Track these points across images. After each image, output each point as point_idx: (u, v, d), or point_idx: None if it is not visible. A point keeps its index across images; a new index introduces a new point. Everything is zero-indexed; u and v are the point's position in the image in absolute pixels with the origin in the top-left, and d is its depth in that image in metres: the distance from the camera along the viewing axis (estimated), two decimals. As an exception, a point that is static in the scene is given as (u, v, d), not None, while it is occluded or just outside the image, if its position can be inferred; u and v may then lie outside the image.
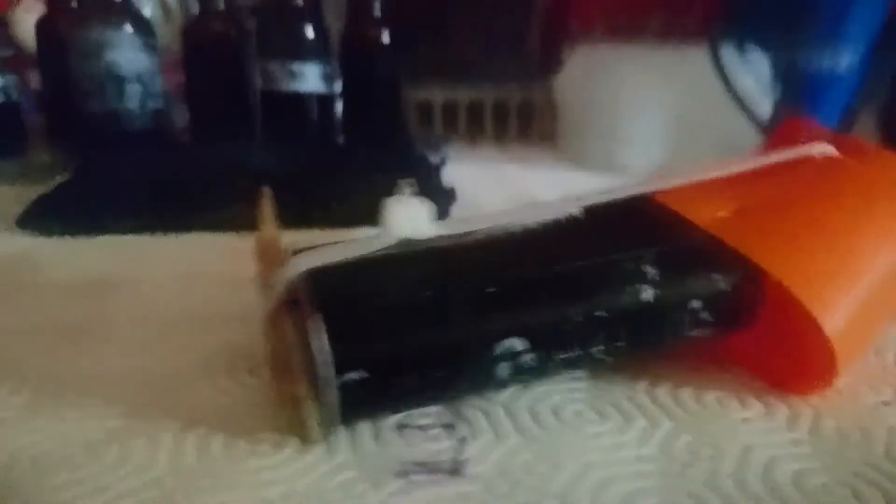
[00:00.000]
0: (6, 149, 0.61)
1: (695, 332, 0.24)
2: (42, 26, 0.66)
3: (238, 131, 0.63)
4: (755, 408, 0.24)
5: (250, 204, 0.43)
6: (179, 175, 0.46)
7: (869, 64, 0.81)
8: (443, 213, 0.46)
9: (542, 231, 0.25)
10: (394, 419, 0.23)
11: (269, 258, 0.24)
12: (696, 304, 0.24)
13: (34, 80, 0.67)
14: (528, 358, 0.22)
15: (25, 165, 0.61)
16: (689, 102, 0.63)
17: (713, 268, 0.24)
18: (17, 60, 0.66)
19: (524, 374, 0.23)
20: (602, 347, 0.23)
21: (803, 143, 0.29)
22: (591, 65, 0.68)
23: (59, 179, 0.50)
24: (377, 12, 0.66)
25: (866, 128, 0.84)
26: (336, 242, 0.24)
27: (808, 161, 0.29)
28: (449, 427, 0.23)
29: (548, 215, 0.26)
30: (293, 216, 0.43)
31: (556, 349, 0.23)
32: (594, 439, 0.22)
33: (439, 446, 0.22)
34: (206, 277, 0.36)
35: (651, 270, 0.23)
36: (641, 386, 0.25)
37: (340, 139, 0.66)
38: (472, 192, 0.49)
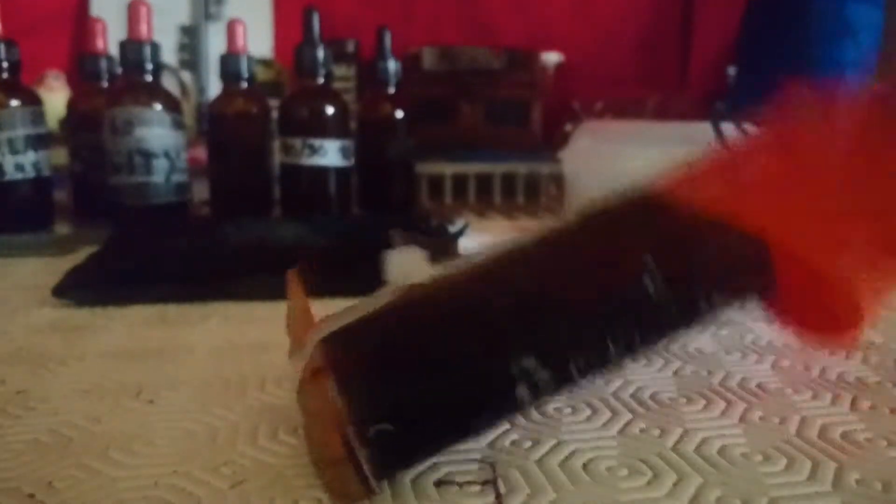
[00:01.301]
0: (35, 222, 0.63)
1: (706, 307, 0.24)
2: (73, 104, 0.69)
3: (258, 203, 0.66)
4: (779, 462, 0.25)
5: (276, 274, 0.45)
6: (208, 247, 0.48)
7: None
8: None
9: (539, 244, 0.26)
10: (434, 477, 0.24)
11: (300, 329, 0.24)
12: (704, 287, 0.24)
13: (55, 156, 0.70)
14: (543, 375, 0.22)
15: (51, 238, 0.63)
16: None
17: (716, 246, 0.25)
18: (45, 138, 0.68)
19: (542, 391, 0.23)
20: (618, 348, 0.23)
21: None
22: (595, 139, 0.71)
23: (83, 251, 0.52)
24: (391, 90, 0.70)
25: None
26: (352, 305, 0.24)
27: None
28: (487, 484, 0.24)
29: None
30: (318, 286, 0.45)
31: (570, 360, 0.23)
32: (626, 494, 0.23)
33: (478, 503, 0.23)
34: (238, 344, 0.37)
35: (650, 261, 0.23)
36: (669, 442, 0.26)
37: (356, 210, 0.69)
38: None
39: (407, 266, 0.24)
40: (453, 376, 0.22)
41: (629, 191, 0.27)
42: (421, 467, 0.24)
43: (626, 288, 0.23)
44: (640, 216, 0.26)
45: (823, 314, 0.26)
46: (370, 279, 0.45)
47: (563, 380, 0.23)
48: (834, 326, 0.25)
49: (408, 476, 0.24)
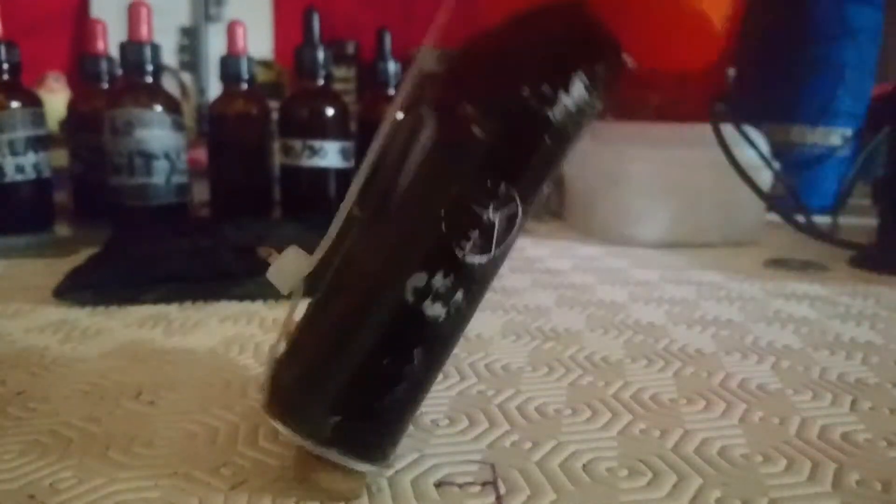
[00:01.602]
0: (34, 224, 0.63)
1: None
2: (74, 106, 0.69)
3: (258, 204, 0.66)
4: (779, 463, 0.25)
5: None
6: (208, 248, 0.48)
7: (861, 138, 0.85)
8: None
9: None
10: (434, 478, 0.24)
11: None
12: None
13: (55, 157, 0.70)
14: (441, 283, 0.21)
15: (52, 239, 0.63)
16: (690, 176, 0.65)
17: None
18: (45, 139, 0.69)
19: (451, 298, 0.21)
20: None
21: None
22: (595, 141, 0.71)
23: (84, 252, 0.52)
24: (391, 92, 0.70)
25: (862, 196, 0.87)
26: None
27: None
28: (488, 484, 0.24)
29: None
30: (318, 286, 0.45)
31: (459, 246, 0.21)
32: (626, 495, 0.23)
33: (481, 502, 0.23)
34: (238, 344, 0.37)
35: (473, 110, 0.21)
36: (670, 443, 0.26)
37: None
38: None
39: (286, 270, 0.24)
40: (353, 362, 0.22)
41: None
42: (421, 468, 0.25)
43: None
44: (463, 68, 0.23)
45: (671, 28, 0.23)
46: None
47: (472, 275, 0.22)
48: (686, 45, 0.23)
49: (408, 476, 0.24)
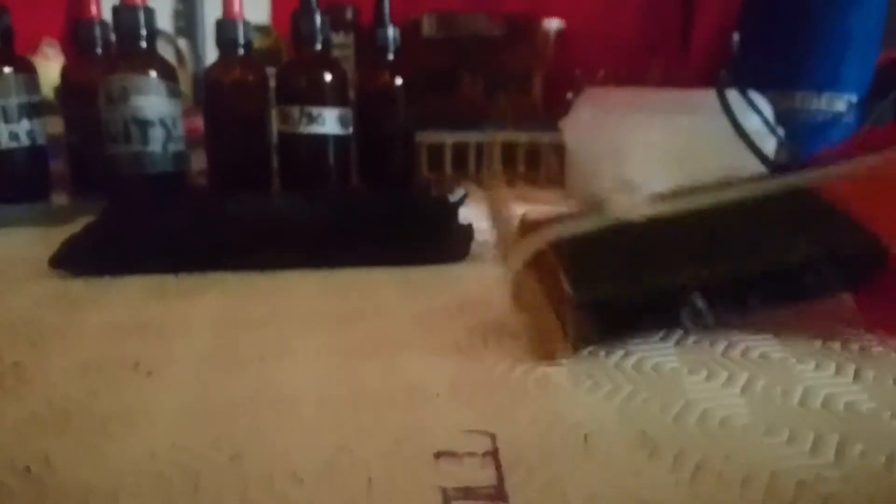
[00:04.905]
0: (31, 192, 0.62)
1: (827, 290, 0.32)
2: (68, 72, 0.68)
3: (257, 173, 0.65)
4: (782, 434, 0.25)
5: (276, 246, 0.45)
6: (206, 218, 0.47)
7: (866, 106, 0.84)
8: (463, 250, 0.47)
9: (718, 211, 0.33)
10: (434, 448, 0.24)
11: (500, 213, 0.38)
12: (830, 268, 0.31)
13: (51, 125, 0.69)
14: (701, 305, 0.30)
15: (47, 208, 0.62)
16: (692, 144, 0.64)
17: (847, 241, 0.31)
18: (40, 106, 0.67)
19: (699, 320, 0.31)
20: (758, 301, 0.31)
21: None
22: (597, 108, 0.70)
23: (80, 222, 0.51)
24: (390, 58, 0.69)
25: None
26: (565, 219, 0.33)
27: None
28: (488, 455, 0.24)
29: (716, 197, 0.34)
30: (320, 257, 0.45)
31: (726, 303, 0.31)
32: (627, 467, 0.23)
33: (482, 473, 0.23)
34: (237, 316, 0.37)
35: (803, 246, 0.31)
36: (671, 413, 0.26)
37: (354, 180, 0.68)
38: (484, 230, 0.50)
39: (625, 206, 0.33)
40: (643, 289, 0.31)
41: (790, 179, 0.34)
42: (424, 438, 0.24)
43: (778, 261, 0.31)
44: (794, 203, 0.34)
45: None
46: (372, 253, 0.45)
47: (715, 316, 0.31)
48: None
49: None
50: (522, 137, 0.83)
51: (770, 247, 0.31)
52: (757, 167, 0.62)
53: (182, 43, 1.25)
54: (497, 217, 0.38)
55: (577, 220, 0.33)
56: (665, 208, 0.33)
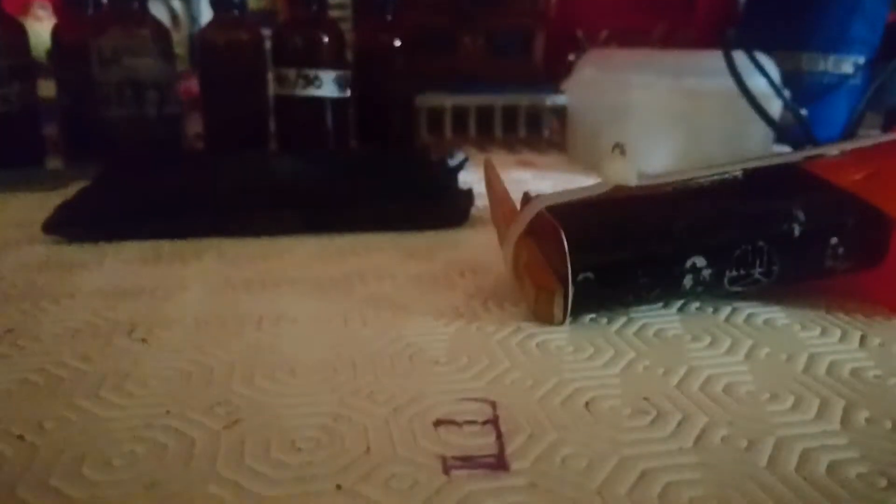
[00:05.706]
0: (23, 157, 0.61)
1: (831, 265, 0.31)
2: (58, 34, 0.66)
3: (253, 136, 0.64)
4: (787, 400, 0.24)
5: (272, 210, 0.44)
6: (201, 181, 0.46)
7: (874, 68, 0.82)
8: (463, 215, 0.46)
9: (714, 184, 0.34)
10: (433, 416, 0.23)
11: (501, 205, 0.35)
12: (833, 240, 0.31)
13: (44, 88, 0.68)
14: (706, 273, 0.30)
15: (41, 173, 0.62)
16: (696, 106, 0.63)
17: (848, 214, 0.31)
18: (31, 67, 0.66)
19: (701, 286, 0.31)
20: (761, 270, 0.31)
21: None
22: (599, 69, 0.69)
23: (75, 186, 0.50)
24: (389, 18, 0.67)
25: (873, 127, 0.85)
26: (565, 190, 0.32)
27: None
28: (488, 423, 0.23)
29: (717, 175, 0.34)
30: (318, 221, 0.44)
31: (727, 268, 0.30)
32: (629, 433, 0.23)
33: (482, 441, 0.22)
34: (233, 281, 0.37)
35: (800, 214, 0.31)
36: (674, 380, 0.26)
37: (353, 143, 0.67)
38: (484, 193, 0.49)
39: (619, 171, 0.32)
40: (641, 256, 0.30)
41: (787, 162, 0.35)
42: (423, 405, 0.24)
43: (778, 228, 0.31)
44: (792, 181, 0.34)
45: None
46: (371, 217, 0.44)
47: (718, 284, 0.31)
48: None
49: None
50: (523, 100, 0.82)
51: (771, 216, 0.31)
52: (763, 129, 0.61)
53: (176, 3, 1.23)
54: (490, 188, 0.37)
55: (578, 190, 0.32)
56: (658, 181, 0.33)
